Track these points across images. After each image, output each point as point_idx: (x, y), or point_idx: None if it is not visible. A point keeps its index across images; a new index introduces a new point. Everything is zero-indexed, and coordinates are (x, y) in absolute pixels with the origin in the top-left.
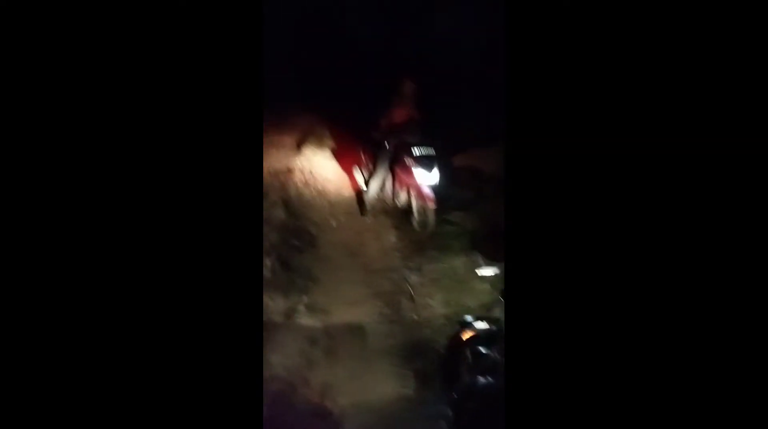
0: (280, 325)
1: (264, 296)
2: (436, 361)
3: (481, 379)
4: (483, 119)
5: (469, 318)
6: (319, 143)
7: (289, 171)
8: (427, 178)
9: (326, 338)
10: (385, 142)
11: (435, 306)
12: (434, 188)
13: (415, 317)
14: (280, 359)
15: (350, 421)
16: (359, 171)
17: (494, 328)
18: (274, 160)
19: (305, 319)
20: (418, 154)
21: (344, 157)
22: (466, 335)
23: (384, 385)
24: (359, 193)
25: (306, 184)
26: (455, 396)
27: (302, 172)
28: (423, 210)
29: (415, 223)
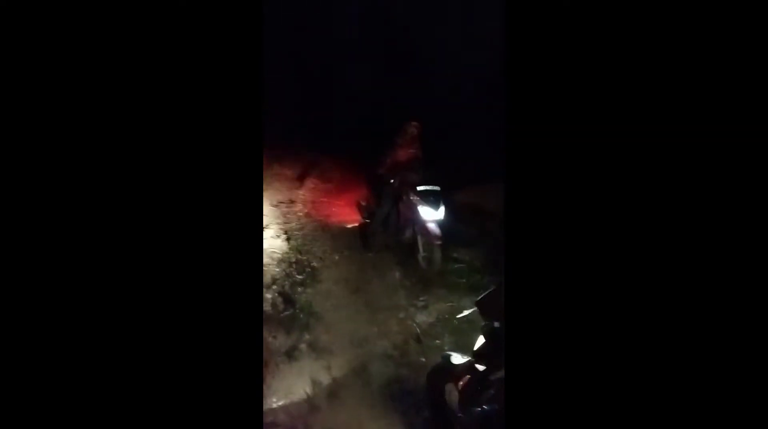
0: (281, 365)
1: (265, 333)
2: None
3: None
4: (484, 156)
5: (457, 359)
6: (322, 177)
7: (291, 202)
8: (432, 215)
9: (329, 380)
10: (390, 179)
11: (444, 348)
12: (439, 225)
13: (423, 360)
14: (281, 402)
15: None
16: (362, 206)
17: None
18: (276, 191)
19: (307, 359)
20: (422, 190)
21: (347, 192)
22: (461, 382)
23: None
24: (362, 228)
25: (308, 216)
26: None
27: (304, 204)
28: (428, 247)
29: (420, 260)
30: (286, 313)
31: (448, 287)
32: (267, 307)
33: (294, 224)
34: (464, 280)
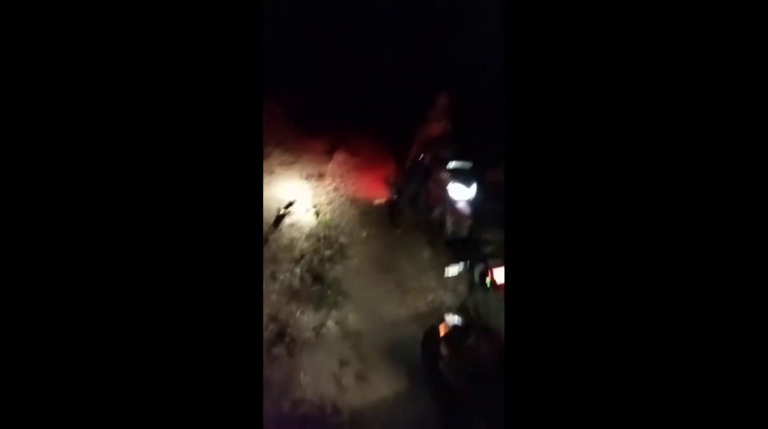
0: (309, 343)
1: (292, 307)
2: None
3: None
4: None
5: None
6: (351, 151)
7: (320, 177)
8: (463, 194)
9: (358, 361)
10: (420, 155)
11: None
12: (470, 204)
13: None
14: (309, 380)
15: None
16: (391, 182)
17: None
18: (306, 164)
19: (335, 338)
20: (453, 167)
21: (376, 167)
22: (443, 330)
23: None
24: (391, 205)
25: (336, 190)
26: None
27: (333, 178)
28: (458, 226)
29: (448, 239)
30: (314, 288)
31: None
32: (296, 281)
33: (323, 198)
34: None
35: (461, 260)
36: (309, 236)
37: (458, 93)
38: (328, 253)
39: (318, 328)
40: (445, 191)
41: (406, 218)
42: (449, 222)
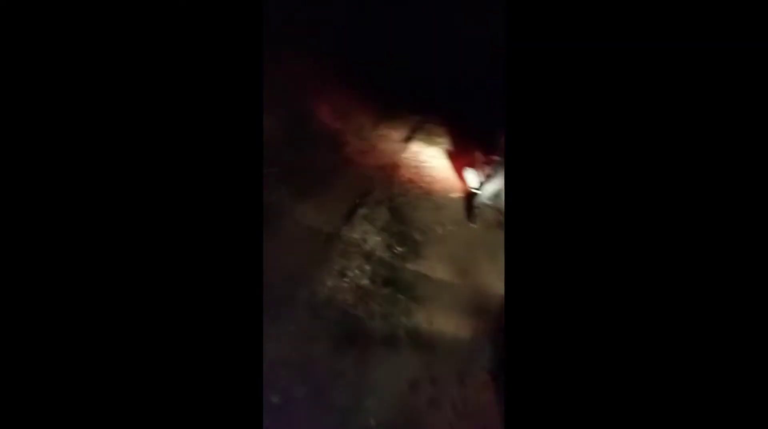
0: (378, 354)
1: (360, 311)
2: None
3: None
4: None
5: None
6: (429, 139)
7: (395, 166)
8: None
9: (430, 386)
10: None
11: None
12: None
13: None
14: (377, 405)
15: None
16: (472, 173)
17: None
18: (380, 153)
19: (407, 352)
20: None
21: (456, 157)
22: None
23: None
24: (469, 198)
25: (411, 182)
26: None
27: (407, 169)
28: None
29: None
30: (385, 291)
31: None
32: (365, 280)
33: (396, 190)
34: None
35: None
36: (381, 230)
37: None
38: (400, 250)
39: (388, 340)
40: None
41: (485, 216)
42: None
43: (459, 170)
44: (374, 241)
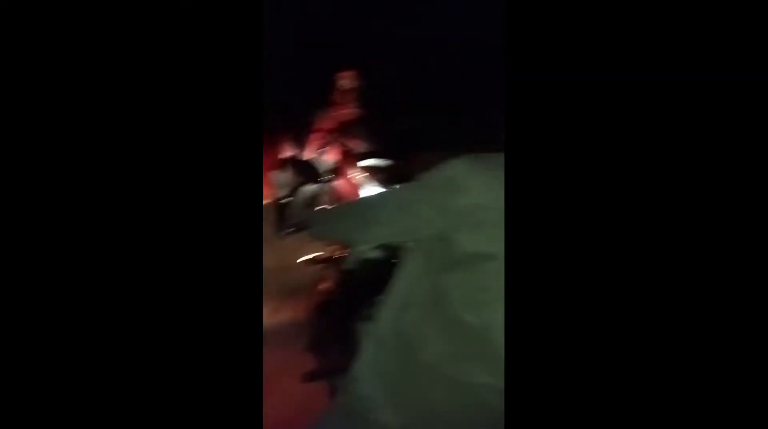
0: None
1: None
2: None
3: None
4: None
5: None
6: None
7: None
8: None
9: None
10: (323, 146)
11: None
12: None
13: None
14: None
15: None
16: (278, 178)
17: None
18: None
19: None
20: (368, 165)
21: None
22: None
23: None
24: (278, 208)
25: None
26: None
27: None
28: None
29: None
30: None
31: None
32: None
33: None
34: None
35: None
36: None
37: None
38: None
39: None
40: (359, 192)
41: (298, 223)
42: None
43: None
44: None
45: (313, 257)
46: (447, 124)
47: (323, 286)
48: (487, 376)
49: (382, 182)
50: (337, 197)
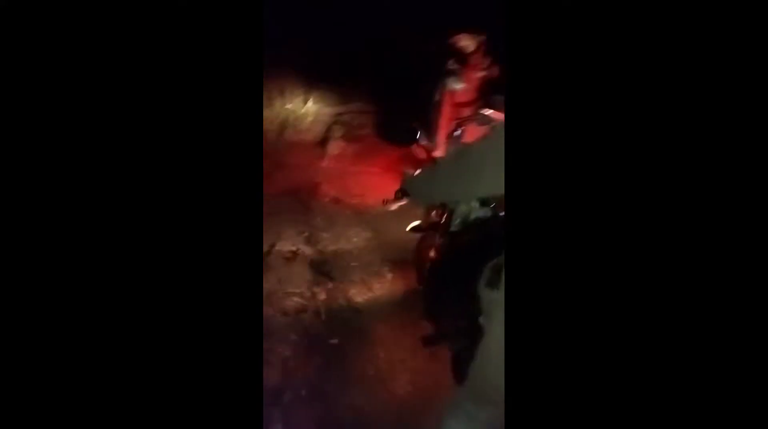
0: None
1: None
2: None
3: None
4: None
5: None
6: (349, 135)
7: (314, 186)
8: None
9: None
10: (454, 126)
11: None
12: None
13: None
14: None
15: None
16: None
17: None
18: (289, 172)
19: None
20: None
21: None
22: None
23: None
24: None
25: (337, 202)
26: None
27: (330, 183)
28: None
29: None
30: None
31: None
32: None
33: (319, 220)
34: None
35: None
36: (297, 275)
37: None
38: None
39: None
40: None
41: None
42: None
43: (392, 167)
44: (284, 321)
45: (419, 224)
46: None
47: (433, 252)
48: None
49: None
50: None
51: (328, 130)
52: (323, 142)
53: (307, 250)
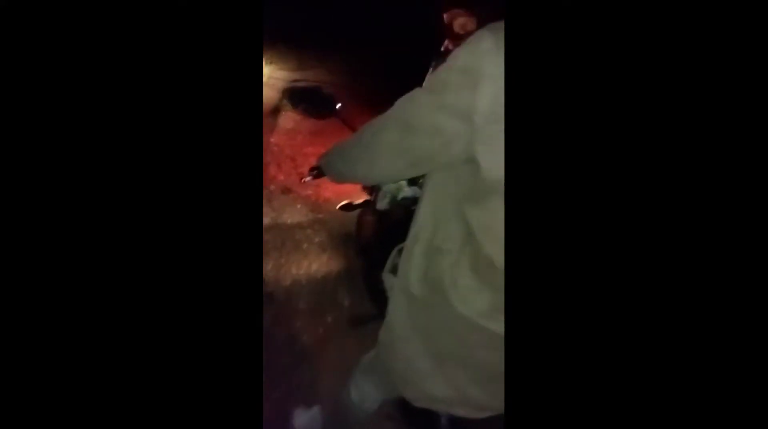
0: None
1: None
2: None
3: None
4: None
5: None
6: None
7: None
8: None
9: None
10: None
11: None
12: None
13: None
14: None
15: None
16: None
17: None
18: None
19: None
20: None
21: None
22: None
23: None
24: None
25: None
26: None
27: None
28: None
29: None
30: None
31: None
32: None
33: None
34: None
35: None
36: None
37: None
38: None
39: None
40: None
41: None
42: None
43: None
44: None
45: (348, 202)
46: None
47: (363, 231)
48: None
49: None
50: None
51: (282, 97)
52: (274, 111)
53: None
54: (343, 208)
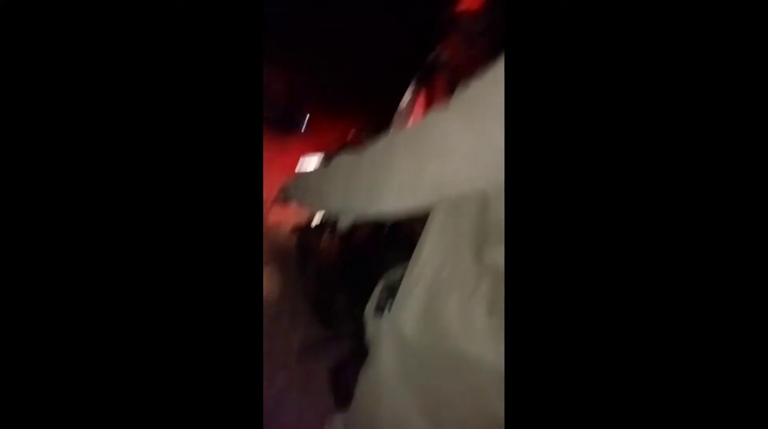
0: None
1: None
2: None
3: None
4: None
5: None
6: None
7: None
8: None
9: None
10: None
11: None
12: None
13: None
14: None
15: None
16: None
17: None
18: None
19: None
20: None
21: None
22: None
23: None
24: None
25: None
26: None
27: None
28: None
29: None
30: None
31: None
32: None
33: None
34: None
35: None
36: None
37: None
38: None
39: None
40: None
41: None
42: None
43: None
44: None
45: (294, 225)
46: None
47: (321, 253)
48: None
49: None
50: None
51: None
52: None
53: None
54: (293, 230)
